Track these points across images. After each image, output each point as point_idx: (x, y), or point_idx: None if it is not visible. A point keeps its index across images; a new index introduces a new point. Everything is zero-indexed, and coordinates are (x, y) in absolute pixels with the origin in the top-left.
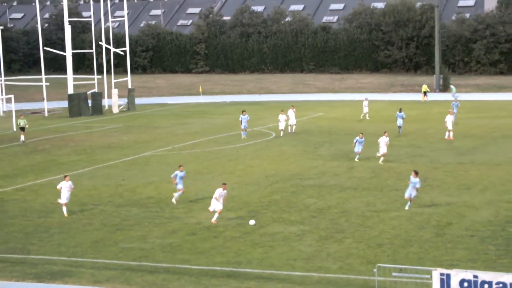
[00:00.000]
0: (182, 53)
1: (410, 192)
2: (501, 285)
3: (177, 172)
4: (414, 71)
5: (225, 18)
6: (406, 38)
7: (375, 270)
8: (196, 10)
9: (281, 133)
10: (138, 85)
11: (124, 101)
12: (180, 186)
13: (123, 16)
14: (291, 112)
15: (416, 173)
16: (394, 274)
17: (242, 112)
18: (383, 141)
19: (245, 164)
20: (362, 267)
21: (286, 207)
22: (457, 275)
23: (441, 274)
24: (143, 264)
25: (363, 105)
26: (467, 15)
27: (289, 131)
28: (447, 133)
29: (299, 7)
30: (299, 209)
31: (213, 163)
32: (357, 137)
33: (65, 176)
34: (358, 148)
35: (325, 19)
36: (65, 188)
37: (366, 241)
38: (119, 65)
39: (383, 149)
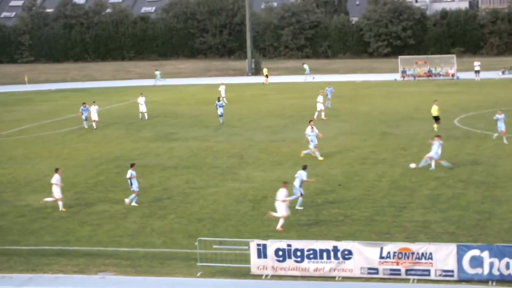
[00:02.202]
0: (6, 44)
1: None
2: (312, 251)
3: None
4: (228, 56)
5: (48, 10)
6: (220, 26)
7: (196, 243)
8: (19, 3)
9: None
10: None
11: None
12: None
13: None
14: (141, 99)
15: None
16: (214, 246)
17: (83, 104)
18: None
19: (71, 148)
20: (184, 241)
21: (111, 187)
22: (272, 245)
23: (258, 245)
24: None
25: (219, 89)
26: (275, 4)
27: (140, 118)
28: (321, 113)
29: None
30: (123, 188)
31: (40, 148)
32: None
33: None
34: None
35: (144, 9)
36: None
37: (188, 216)
38: None
39: None
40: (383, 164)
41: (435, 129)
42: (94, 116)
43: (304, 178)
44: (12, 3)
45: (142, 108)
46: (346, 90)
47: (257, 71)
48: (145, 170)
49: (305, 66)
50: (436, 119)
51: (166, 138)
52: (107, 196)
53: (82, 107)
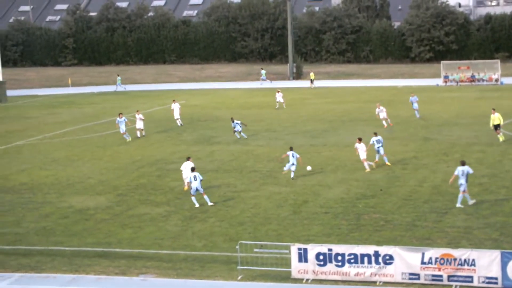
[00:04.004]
0: (51, 47)
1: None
2: (352, 256)
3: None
4: (269, 60)
5: (91, 13)
6: (261, 30)
7: (237, 246)
8: (64, 6)
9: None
10: (9, 78)
11: None
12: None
13: None
14: (175, 106)
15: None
16: (255, 250)
17: (119, 115)
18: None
19: (113, 150)
20: (225, 244)
21: (152, 189)
22: (313, 249)
23: (299, 249)
24: (18, 247)
25: (275, 96)
26: (316, 8)
27: (179, 124)
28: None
29: (161, 2)
30: (164, 191)
31: (82, 150)
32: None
33: None
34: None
35: (185, 13)
36: None
37: (228, 219)
38: None
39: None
40: (425, 169)
41: (501, 139)
42: (139, 124)
43: (471, 171)
44: (57, 7)
45: (176, 114)
46: (387, 95)
47: (298, 76)
48: None
49: (262, 71)
50: (496, 127)
51: (207, 142)
52: (148, 199)
53: (118, 119)
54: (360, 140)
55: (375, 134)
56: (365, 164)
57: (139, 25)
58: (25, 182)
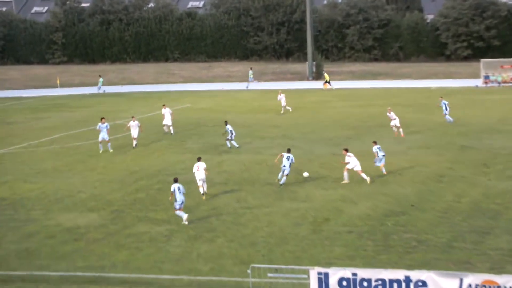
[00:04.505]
0: (37, 43)
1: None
2: (380, 282)
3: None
4: (285, 58)
5: (83, 4)
6: (277, 23)
7: (249, 271)
8: None
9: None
10: None
11: None
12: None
13: None
14: (166, 112)
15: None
16: (269, 274)
17: (101, 119)
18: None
19: (107, 160)
20: (235, 268)
21: (152, 205)
22: (335, 274)
23: (319, 273)
24: None
25: (278, 99)
26: None
27: (165, 131)
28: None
29: None
30: (166, 207)
31: (73, 160)
32: None
33: None
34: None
35: (191, 4)
36: None
37: (239, 239)
38: None
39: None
40: (462, 183)
41: None
42: (135, 132)
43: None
44: None
45: (166, 120)
46: (420, 98)
47: (318, 75)
48: (191, 186)
49: (250, 71)
50: None
51: (214, 150)
52: (147, 216)
53: (100, 124)
54: (346, 150)
55: (375, 142)
56: (345, 174)
57: (137, 18)
58: (5, 197)
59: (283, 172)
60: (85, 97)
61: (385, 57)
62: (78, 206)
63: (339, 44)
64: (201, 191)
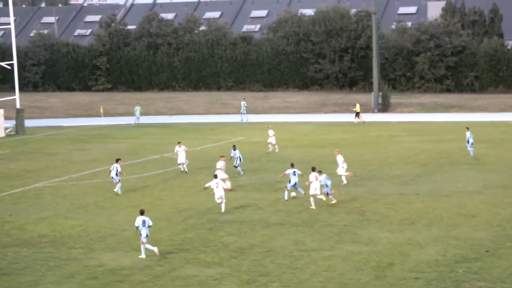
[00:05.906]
0: (80, 68)
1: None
2: None
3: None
4: (349, 87)
5: (129, 27)
6: (340, 50)
7: None
8: (96, 17)
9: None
10: (28, 105)
11: (11, 123)
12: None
13: (9, 24)
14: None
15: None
16: None
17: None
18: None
19: (154, 197)
20: None
21: (201, 246)
22: None
23: None
24: None
25: (268, 135)
26: (409, 23)
27: (182, 170)
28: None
29: (216, 14)
30: (217, 248)
31: (116, 195)
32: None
33: None
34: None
35: (246, 28)
36: None
37: (295, 285)
38: (5, 81)
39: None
40: None
41: None
42: (181, 158)
43: None
44: (87, 18)
45: (180, 159)
46: (497, 133)
47: (385, 107)
48: (244, 226)
49: (243, 103)
50: None
51: (270, 188)
52: (196, 258)
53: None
54: (320, 172)
55: (320, 172)
56: (311, 200)
57: (188, 42)
58: (45, 234)
59: (292, 187)
60: (129, 128)
61: (458, 88)
62: (122, 245)
63: (408, 73)
64: (223, 208)
